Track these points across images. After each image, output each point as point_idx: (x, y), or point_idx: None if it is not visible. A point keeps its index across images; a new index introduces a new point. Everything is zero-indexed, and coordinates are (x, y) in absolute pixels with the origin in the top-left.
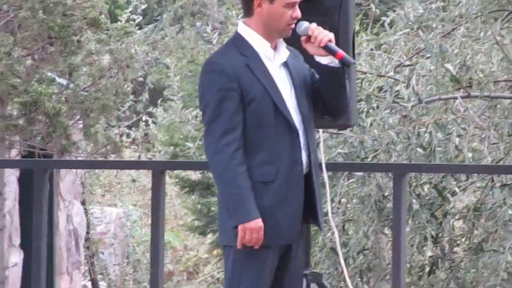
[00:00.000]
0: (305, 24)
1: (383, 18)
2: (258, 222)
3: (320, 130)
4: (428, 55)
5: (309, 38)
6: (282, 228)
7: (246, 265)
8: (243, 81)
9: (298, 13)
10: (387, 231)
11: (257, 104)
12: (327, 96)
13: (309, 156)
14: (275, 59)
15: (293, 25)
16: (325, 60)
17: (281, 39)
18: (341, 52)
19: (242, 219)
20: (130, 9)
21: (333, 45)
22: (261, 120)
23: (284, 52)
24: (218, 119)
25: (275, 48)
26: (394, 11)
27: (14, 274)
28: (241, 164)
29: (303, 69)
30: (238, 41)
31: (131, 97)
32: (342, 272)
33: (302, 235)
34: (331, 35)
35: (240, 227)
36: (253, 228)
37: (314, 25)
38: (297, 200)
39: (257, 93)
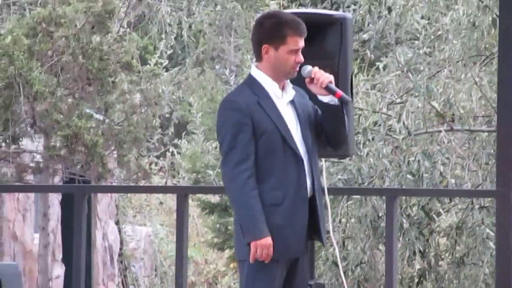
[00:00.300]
0: (308, 67)
1: (377, 62)
2: (268, 240)
3: (323, 159)
4: (416, 94)
5: (312, 80)
6: (289, 245)
7: (258, 277)
8: (255, 117)
9: (300, 58)
10: (381, 247)
11: (268, 137)
12: (329, 129)
13: (313, 182)
14: (283, 97)
15: (297, 68)
16: (326, 98)
17: (288, 80)
18: (340, 92)
19: (254, 237)
20: (158, 54)
21: (333, 86)
22: (271, 150)
23: (291, 92)
24: (233, 150)
25: (283, 88)
26: (386, 56)
27: (57, 285)
28: (254, 189)
29: (308, 106)
30: (251, 82)
31: (159, 130)
32: (342, 282)
33: (307, 250)
34: (331, 77)
35: (252, 244)
36: (263, 245)
37: (316, 68)
38: (303, 220)
39: (268, 127)
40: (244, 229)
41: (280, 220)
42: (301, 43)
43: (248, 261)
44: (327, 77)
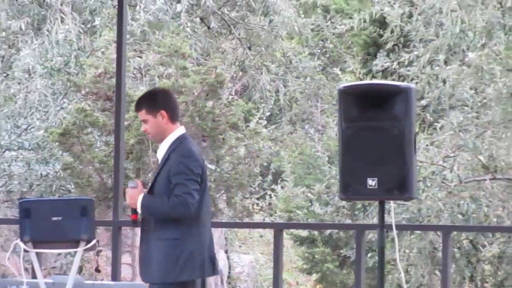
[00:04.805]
0: (133, 184)
1: (435, 123)
2: None
3: (391, 202)
4: (466, 149)
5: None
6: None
7: None
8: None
9: (143, 127)
10: (437, 272)
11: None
12: None
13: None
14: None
15: (148, 135)
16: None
17: (164, 143)
18: (133, 216)
19: None
20: (259, 115)
21: (135, 209)
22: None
23: (160, 153)
24: None
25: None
26: (442, 118)
27: None
28: None
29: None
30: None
31: (259, 178)
32: None
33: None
34: (132, 203)
35: None
36: None
37: (133, 190)
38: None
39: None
40: None
41: None
42: (140, 117)
43: None
44: (129, 201)
